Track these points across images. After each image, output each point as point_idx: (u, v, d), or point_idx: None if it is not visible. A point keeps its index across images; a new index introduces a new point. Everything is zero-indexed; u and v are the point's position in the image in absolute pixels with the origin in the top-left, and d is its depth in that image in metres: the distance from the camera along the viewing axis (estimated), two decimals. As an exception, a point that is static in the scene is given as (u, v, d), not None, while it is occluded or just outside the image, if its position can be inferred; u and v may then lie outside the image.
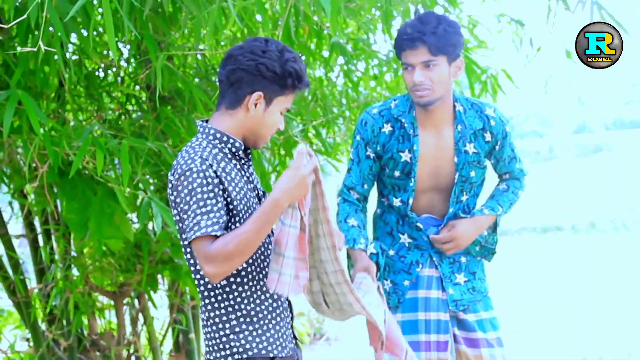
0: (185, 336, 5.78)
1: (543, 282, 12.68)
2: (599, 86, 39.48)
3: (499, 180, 4.00)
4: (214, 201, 2.83)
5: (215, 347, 2.98)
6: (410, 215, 3.77)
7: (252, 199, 3.02)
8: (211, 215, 2.82)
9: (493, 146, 3.77)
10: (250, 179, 3.06)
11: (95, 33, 4.67)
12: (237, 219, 2.92)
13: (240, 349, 2.96)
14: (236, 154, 3.00)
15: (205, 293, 2.99)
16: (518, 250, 17.65)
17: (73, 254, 5.23)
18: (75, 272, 5.28)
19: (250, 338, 2.96)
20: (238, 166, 3.00)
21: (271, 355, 2.98)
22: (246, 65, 2.91)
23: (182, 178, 2.85)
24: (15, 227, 6.03)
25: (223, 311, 2.97)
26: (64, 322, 5.29)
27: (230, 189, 2.90)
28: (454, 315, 3.78)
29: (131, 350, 5.66)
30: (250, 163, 3.09)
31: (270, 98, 2.95)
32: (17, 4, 3.86)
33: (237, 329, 2.96)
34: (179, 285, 5.46)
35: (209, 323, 3.00)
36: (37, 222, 5.40)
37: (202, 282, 2.99)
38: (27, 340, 5.57)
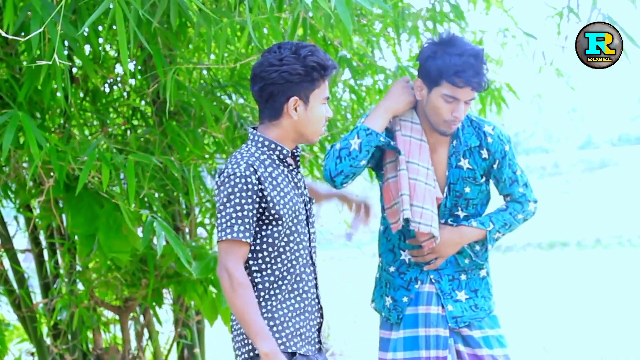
0: (190, 351, 5.76)
1: (549, 298, 12.66)
2: (605, 102, 39.48)
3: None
4: (250, 207, 3.01)
5: (241, 343, 3.12)
6: (409, 229, 3.76)
7: (299, 204, 3.15)
8: (246, 220, 3.00)
9: (491, 164, 3.73)
10: (298, 185, 3.20)
11: (99, 48, 4.69)
12: (280, 222, 3.07)
13: None
14: (284, 160, 3.14)
15: None
16: (524, 266, 17.64)
17: (78, 268, 5.22)
18: (80, 286, 5.27)
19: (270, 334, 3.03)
20: (286, 172, 3.15)
21: (289, 350, 3.08)
22: (271, 79, 3.05)
23: (226, 180, 3.02)
24: (21, 241, 6.03)
25: None
26: (69, 337, 5.28)
27: (274, 193, 3.05)
28: (458, 332, 3.76)
29: (136, 365, 5.65)
30: (299, 169, 3.23)
31: (307, 97, 3.09)
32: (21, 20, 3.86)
33: None
34: (184, 299, 5.45)
35: (236, 318, 3.10)
36: (42, 237, 5.40)
37: None
38: (32, 354, 5.56)
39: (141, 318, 5.67)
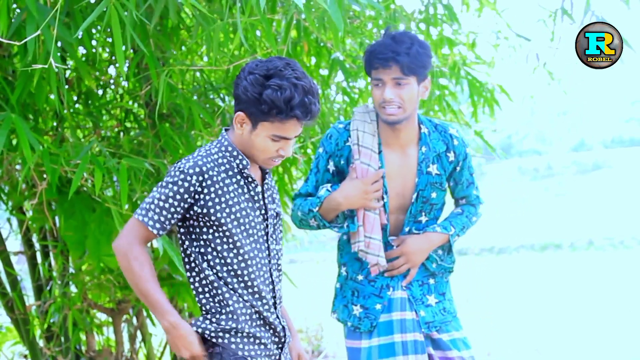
0: (184, 353, 5.75)
1: (541, 299, 12.67)
2: (598, 104, 39.56)
3: (455, 206, 3.99)
4: (175, 203, 2.96)
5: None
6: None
7: (253, 217, 3.06)
8: (164, 212, 2.96)
9: (454, 167, 3.78)
10: (256, 199, 3.09)
11: (93, 50, 4.69)
12: (222, 229, 3.00)
13: (214, 336, 3.06)
14: (242, 171, 3.05)
15: (197, 290, 3.11)
16: (517, 267, 17.65)
17: (71, 270, 5.22)
18: (73, 288, 5.27)
19: (224, 334, 3.05)
20: (242, 182, 3.05)
21: (239, 353, 3.04)
22: (236, 84, 2.99)
23: (171, 170, 2.99)
24: (14, 243, 6.02)
25: (208, 307, 3.10)
26: (62, 339, 5.28)
27: (219, 200, 2.98)
28: (428, 335, 3.77)
29: (129, 368, 5.65)
30: (266, 181, 3.14)
31: (256, 121, 2.98)
32: (13, 20, 3.86)
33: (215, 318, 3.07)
34: (178, 301, 5.45)
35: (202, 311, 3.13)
36: (35, 239, 5.39)
37: (197, 280, 3.09)
38: (25, 357, 5.55)
39: (134, 320, 5.67)
